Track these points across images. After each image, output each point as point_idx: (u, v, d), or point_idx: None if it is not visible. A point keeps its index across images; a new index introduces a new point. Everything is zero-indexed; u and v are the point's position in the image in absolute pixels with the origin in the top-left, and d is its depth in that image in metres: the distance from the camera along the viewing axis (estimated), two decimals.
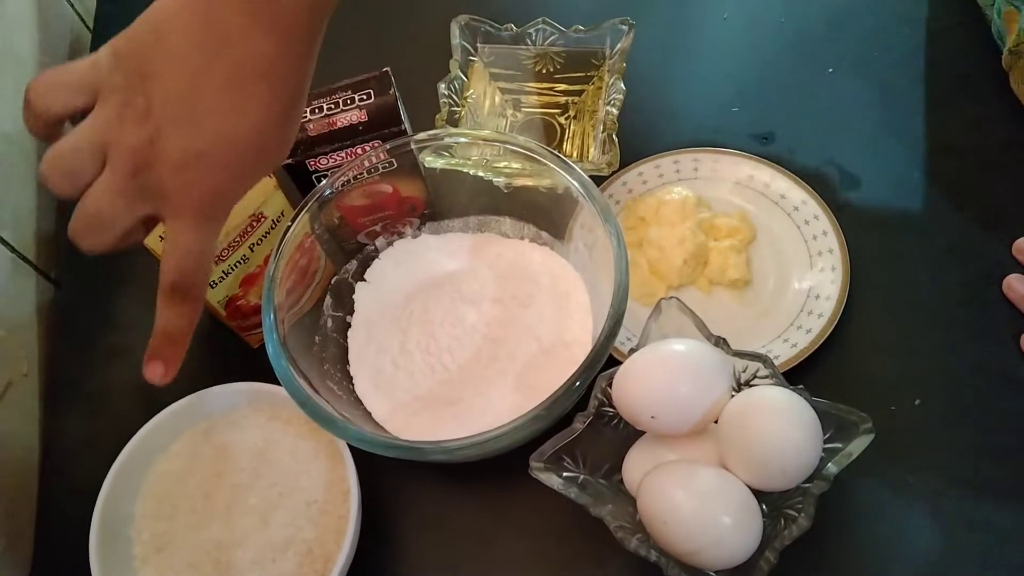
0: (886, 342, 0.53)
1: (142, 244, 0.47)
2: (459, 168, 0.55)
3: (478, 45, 0.63)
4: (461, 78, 0.61)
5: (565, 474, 0.45)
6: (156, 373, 0.43)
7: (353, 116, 0.53)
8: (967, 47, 0.63)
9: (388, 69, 0.54)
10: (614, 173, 0.59)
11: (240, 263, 0.52)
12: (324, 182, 0.52)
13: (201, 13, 0.39)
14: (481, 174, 0.55)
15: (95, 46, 0.72)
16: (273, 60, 0.39)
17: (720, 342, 0.47)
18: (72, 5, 0.74)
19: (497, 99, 0.63)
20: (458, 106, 0.60)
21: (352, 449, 0.47)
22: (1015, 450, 0.50)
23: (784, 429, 0.42)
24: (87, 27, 0.75)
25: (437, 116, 0.59)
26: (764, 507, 0.44)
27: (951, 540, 0.48)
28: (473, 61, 0.63)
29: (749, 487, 0.43)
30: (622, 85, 0.58)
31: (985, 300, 0.54)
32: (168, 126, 0.39)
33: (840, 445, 0.43)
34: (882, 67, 0.64)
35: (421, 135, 0.53)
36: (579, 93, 0.62)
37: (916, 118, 0.61)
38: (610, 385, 0.46)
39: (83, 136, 0.41)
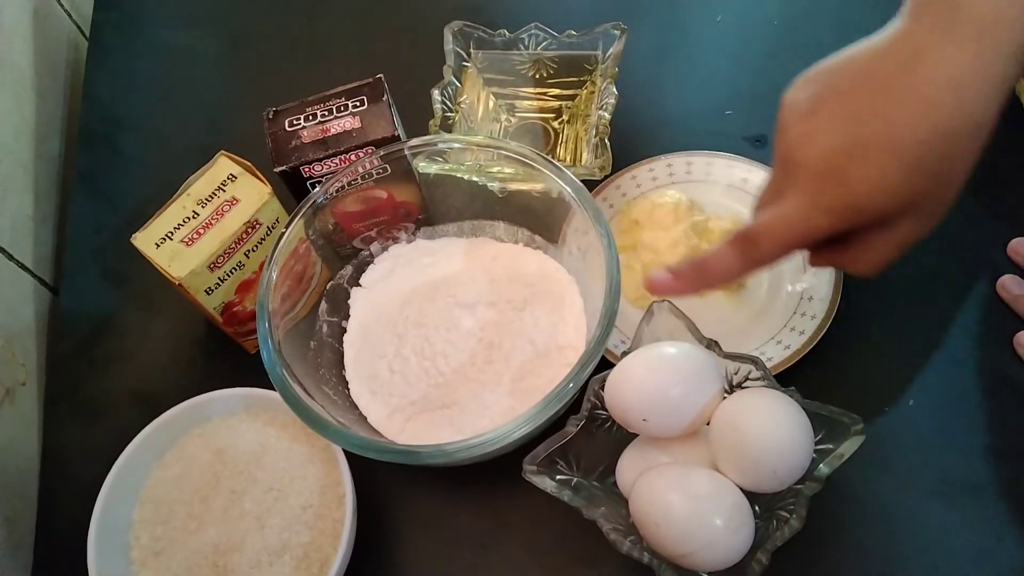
0: (879, 343, 0.54)
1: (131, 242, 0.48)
2: (453, 173, 0.55)
3: (471, 51, 0.63)
4: (455, 84, 0.61)
5: (558, 477, 0.46)
6: (662, 280, 0.44)
7: (347, 123, 0.53)
8: None
9: (381, 76, 0.55)
10: (608, 177, 0.59)
11: (236, 269, 0.53)
12: (318, 188, 0.52)
13: (893, 35, 0.40)
14: (475, 179, 0.55)
15: (92, 54, 0.73)
16: (963, 72, 0.39)
17: (712, 344, 0.47)
18: (68, 14, 0.75)
19: (491, 104, 0.64)
20: (452, 112, 0.61)
21: (348, 453, 0.47)
22: (1009, 450, 0.50)
23: (775, 431, 0.42)
24: (84, 35, 0.76)
25: (431, 122, 0.59)
26: (756, 509, 0.44)
27: (945, 540, 0.48)
28: (466, 67, 0.63)
29: (741, 489, 0.43)
30: (614, 89, 0.58)
31: (979, 301, 0.54)
32: (827, 122, 0.40)
33: (832, 446, 0.44)
34: None
35: (415, 141, 0.53)
36: (572, 98, 0.63)
37: None
38: (603, 388, 0.46)
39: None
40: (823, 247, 0.43)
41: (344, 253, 0.57)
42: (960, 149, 0.39)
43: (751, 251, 0.42)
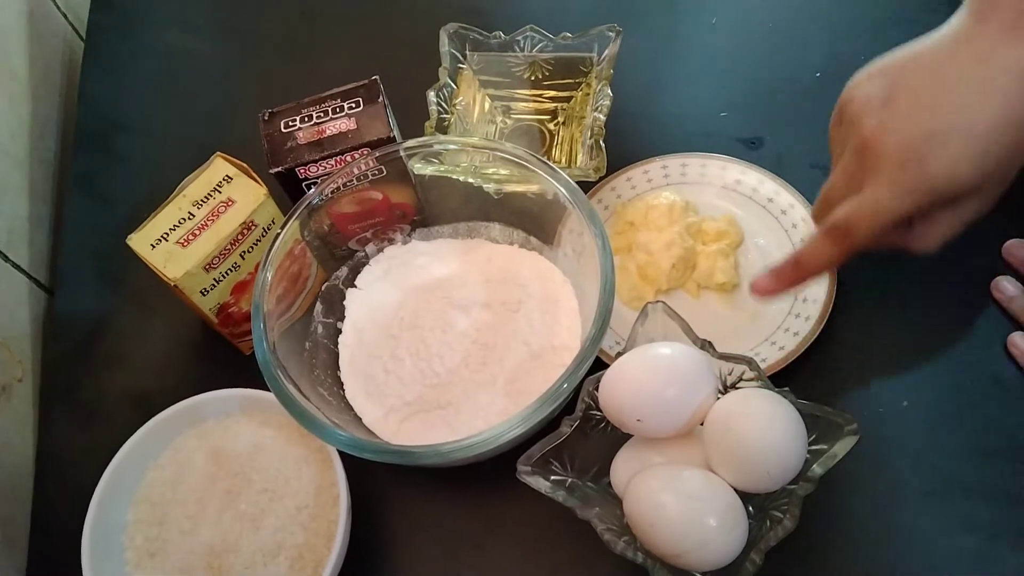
0: (873, 344, 0.54)
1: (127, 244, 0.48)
2: (448, 175, 0.55)
3: (467, 53, 0.63)
4: (450, 85, 0.62)
5: (553, 477, 0.46)
6: (763, 284, 0.48)
7: (342, 124, 0.54)
8: None
9: (377, 77, 0.55)
10: (603, 178, 0.59)
11: (231, 270, 0.53)
12: (314, 190, 0.53)
13: (959, 34, 0.43)
14: (470, 180, 0.55)
15: (88, 56, 0.73)
16: None
17: (706, 345, 0.47)
18: (64, 15, 0.75)
19: (486, 106, 0.64)
20: (447, 113, 0.61)
21: (342, 454, 0.47)
22: (1002, 451, 0.50)
23: (768, 431, 0.42)
24: (80, 37, 0.76)
25: (427, 123, 0.59)
26: (750, 509, 0.44)
27: (938, 541, 0.48)
28: (462, 68, 0.63)
29: (735, 489, 0.43)
30: (609, 91, 0.58)
31: (973, 302, 0.54)
32: (904, 112, 0.43)
33: (825, 447, 0.44)
34: None
35: (410, 142, 0.53)
36: (568, 99, 0.63)
37: None
38: (597, 388, 0.46)
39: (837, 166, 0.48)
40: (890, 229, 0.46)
41: (340, 254, 0.57)
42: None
43: (845, 240, 0.45)
